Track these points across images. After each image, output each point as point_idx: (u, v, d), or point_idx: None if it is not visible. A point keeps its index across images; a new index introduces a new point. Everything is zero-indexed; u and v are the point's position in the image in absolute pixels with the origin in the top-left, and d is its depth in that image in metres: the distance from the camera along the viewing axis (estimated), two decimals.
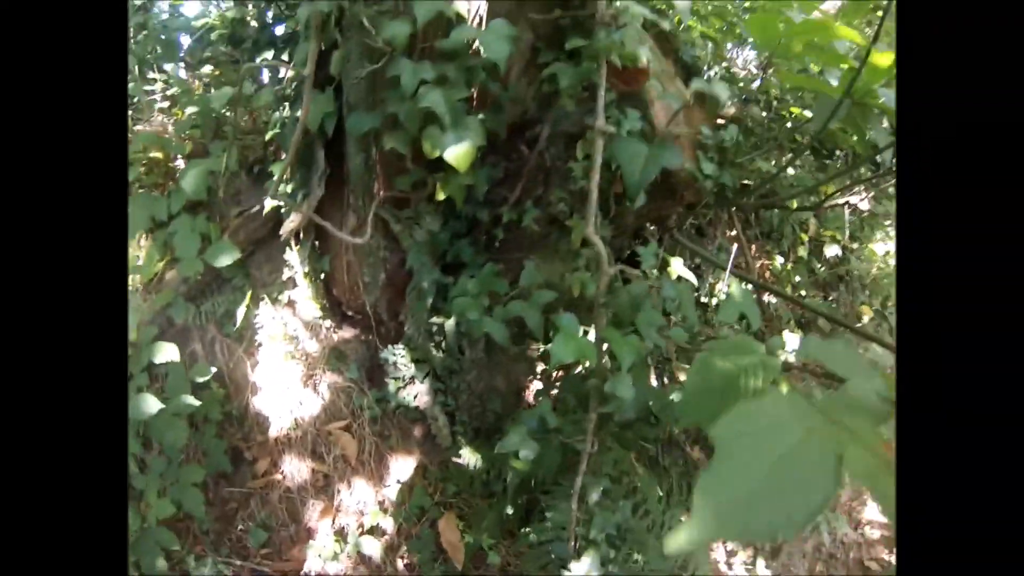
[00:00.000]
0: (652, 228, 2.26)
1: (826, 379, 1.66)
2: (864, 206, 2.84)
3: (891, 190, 3.47)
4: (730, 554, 2.68)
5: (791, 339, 2.18)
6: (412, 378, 2.27)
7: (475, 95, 1.70)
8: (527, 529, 1.76)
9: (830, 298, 3.53)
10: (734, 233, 2.98)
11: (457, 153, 1.44)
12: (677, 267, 1.51)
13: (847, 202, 2.74)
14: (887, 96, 2.12)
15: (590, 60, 1.43)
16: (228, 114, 2.67)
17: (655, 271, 1.52)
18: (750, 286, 1.95)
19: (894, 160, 2.45)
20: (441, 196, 1.65)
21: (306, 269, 2.34)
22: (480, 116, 1.55)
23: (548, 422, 1.46)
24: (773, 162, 2.80)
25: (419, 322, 2.15)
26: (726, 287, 1.66)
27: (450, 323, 2.05)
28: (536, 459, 1.45)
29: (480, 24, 1.57)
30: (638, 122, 1.46)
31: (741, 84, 3.05)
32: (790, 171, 2.95)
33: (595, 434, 1.33)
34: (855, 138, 2.58)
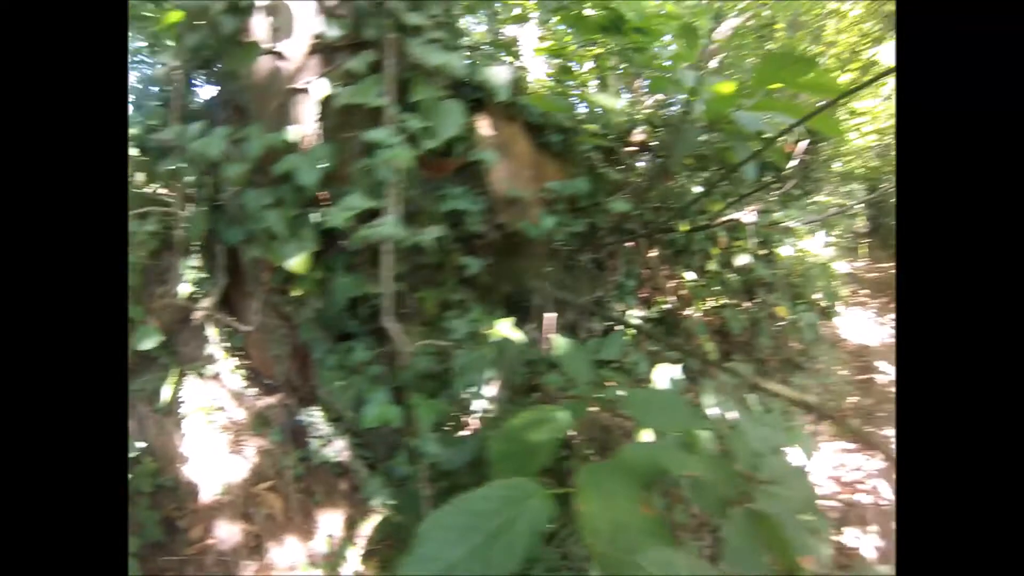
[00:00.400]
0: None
1: None
2: (750, 218, 2.96)
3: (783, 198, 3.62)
4: None
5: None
6: (332, 436, 2.39)
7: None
8: None
9: (754, 302, 3.66)
10: (652, 255, 3.12)
11: (295, 262, 1.62)
12: (502, 329, 1.63)
13: (733, 218, 2.87)
14: (742, 118, 2.27)
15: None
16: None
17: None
18: (619, 328, 2.07)
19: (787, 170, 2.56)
20: (296, 292, 1.80)
21: (226, 345, 2.48)
22: (322, 216, 1.71)
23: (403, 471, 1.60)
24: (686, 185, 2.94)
25: (327, 385, 2.27)
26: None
27: None
28: (400, 505, 1.58)
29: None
30: (460, 199, 1.61)
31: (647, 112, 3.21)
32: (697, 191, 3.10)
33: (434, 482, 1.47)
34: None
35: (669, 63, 3.20)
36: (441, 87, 1.62)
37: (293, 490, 2.40)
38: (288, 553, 2.37)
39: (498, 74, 1.77)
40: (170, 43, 1.99)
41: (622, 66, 3.54)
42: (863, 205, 8.89)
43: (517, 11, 4.33)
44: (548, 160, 2.01)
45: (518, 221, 1.80)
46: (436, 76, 1.61)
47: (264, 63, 1.68)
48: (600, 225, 2.06)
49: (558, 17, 4.19)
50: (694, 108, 2.35)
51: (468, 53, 1.76)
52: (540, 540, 0.85)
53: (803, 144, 3.10)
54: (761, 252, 3.54)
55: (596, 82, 3.69)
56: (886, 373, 6.05)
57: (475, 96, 1.79)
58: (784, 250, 3.78)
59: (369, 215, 1.62)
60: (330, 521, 2.41)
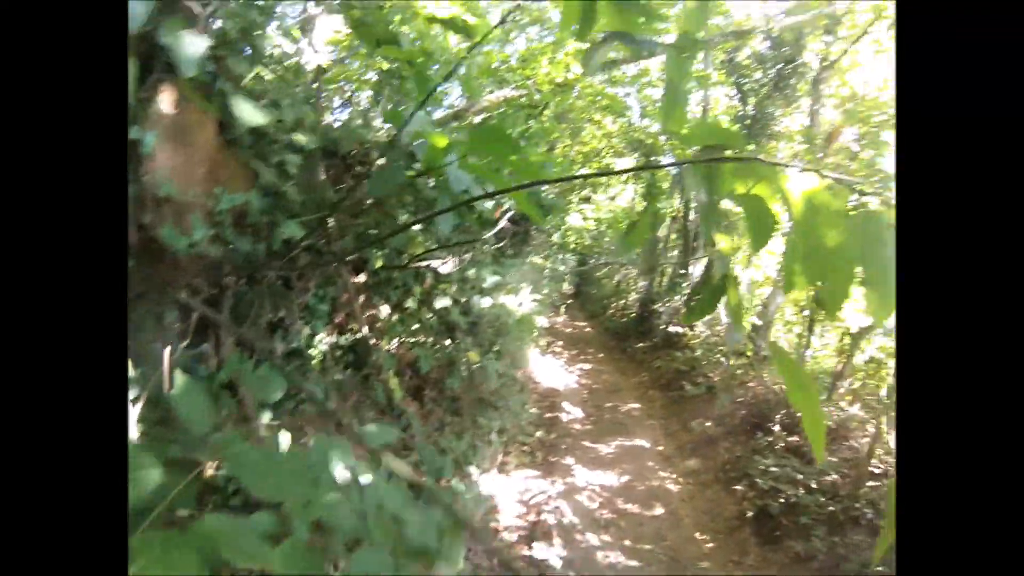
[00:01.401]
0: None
1: None
2: (446, 268, 3.20)
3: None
4: None
5: None
6: None
7: None
8: None
9: (449, 344, 3.93)
10: (352, 282, 3.12)
11: None
12: None
13: (429, 264, 3.07)
14: (452, 173, 2.41)
15: None
16: None
17: None
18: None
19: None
20: None
21: None
22: None
23: None
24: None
25: None
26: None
27: None
28: None
29: None
30: None
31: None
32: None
33: None
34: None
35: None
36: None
37: None
38: None
39: (190, 44, 1.51)
40: None
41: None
42: (571, 272, 10.55)
43: None
44: (236, 163, 1.87)
45: (160, 225, 1.59)
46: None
47: None
48: (274, 247, 1.96)
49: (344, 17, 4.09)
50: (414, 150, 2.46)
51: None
52: None
53: (508, 213, 3.48)
54: (462, 299, 3.83)
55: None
56: (570, 412, 7.09)
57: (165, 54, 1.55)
58: (485, 301, 4.14)
59: None
60: None
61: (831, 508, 4.29)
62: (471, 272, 3.73)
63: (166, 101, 1.69)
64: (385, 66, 3.72)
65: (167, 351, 1.48)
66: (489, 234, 3.36)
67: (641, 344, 9.51)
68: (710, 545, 4.42)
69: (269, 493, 1.02)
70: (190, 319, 1.89)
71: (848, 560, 3.85)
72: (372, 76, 4.78)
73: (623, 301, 10.60)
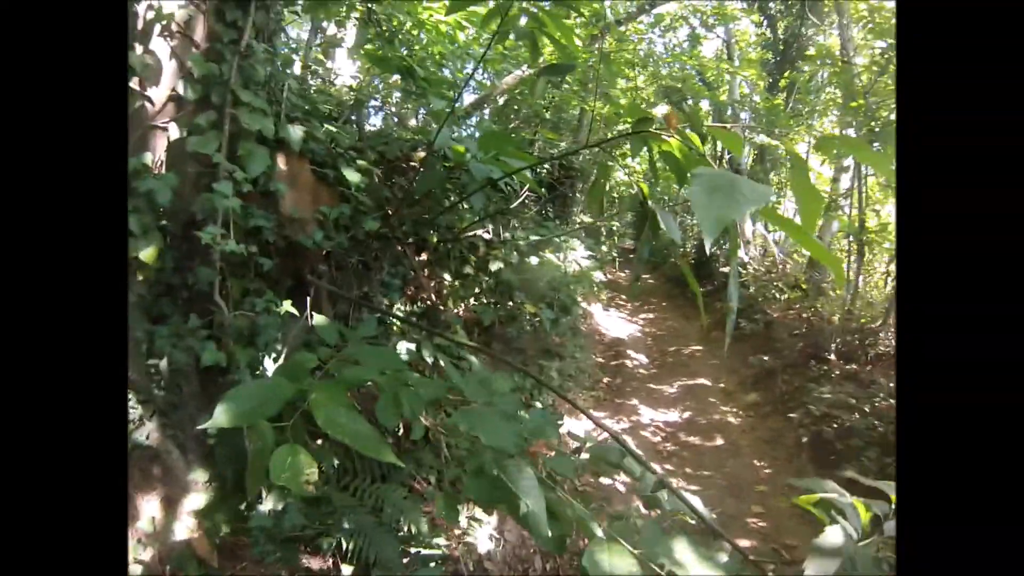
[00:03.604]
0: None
1: None
2: (487, 236, 4.17)
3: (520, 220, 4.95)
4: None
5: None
6: (141, 419, 2.98)
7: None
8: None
9: (511, 303, 4.86)
10: (417, 260, 4.15)
11: (145, 255, 2.42)
12: (287, 306, 2.60)
13: (476, 233, 4.05)
14: (473, 167, 3.38)
15: None
16: None
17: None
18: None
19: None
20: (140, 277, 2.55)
21: None
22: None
23: None
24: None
25: (139, 367, 2.89)
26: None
27: (164, 363, 2.84)
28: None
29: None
30: (260, 218, 2.53)
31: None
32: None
33: None
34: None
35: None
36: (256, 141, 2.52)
37: None
38: None
39: (293, 132, 2.80)
40: None
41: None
42: (625, 226, 11.31)
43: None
44: (325, 188, 2.96)
45: (298, 234, 2.75)
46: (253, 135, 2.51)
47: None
48: (360, 237, 3.04)
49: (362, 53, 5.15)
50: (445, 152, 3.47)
51: (280, 113, 2.72)
52: None
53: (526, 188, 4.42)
54: (512, 261, 4.76)
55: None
56: (635, 359, 7.81)
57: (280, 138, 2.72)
58: (533, 259, 5.03)
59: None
60: (151, 502, 2.96)
61: (881, 430, 4.62)
62: (519, 235, 4.67)
63: (282, 163, 2.79)
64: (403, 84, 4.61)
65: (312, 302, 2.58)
66: (514, 204, 4.29)
67: (702, 289, 9.99)
68: (768, 471, 4.92)
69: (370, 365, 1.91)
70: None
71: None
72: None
73: (682, 248, 11.14)
